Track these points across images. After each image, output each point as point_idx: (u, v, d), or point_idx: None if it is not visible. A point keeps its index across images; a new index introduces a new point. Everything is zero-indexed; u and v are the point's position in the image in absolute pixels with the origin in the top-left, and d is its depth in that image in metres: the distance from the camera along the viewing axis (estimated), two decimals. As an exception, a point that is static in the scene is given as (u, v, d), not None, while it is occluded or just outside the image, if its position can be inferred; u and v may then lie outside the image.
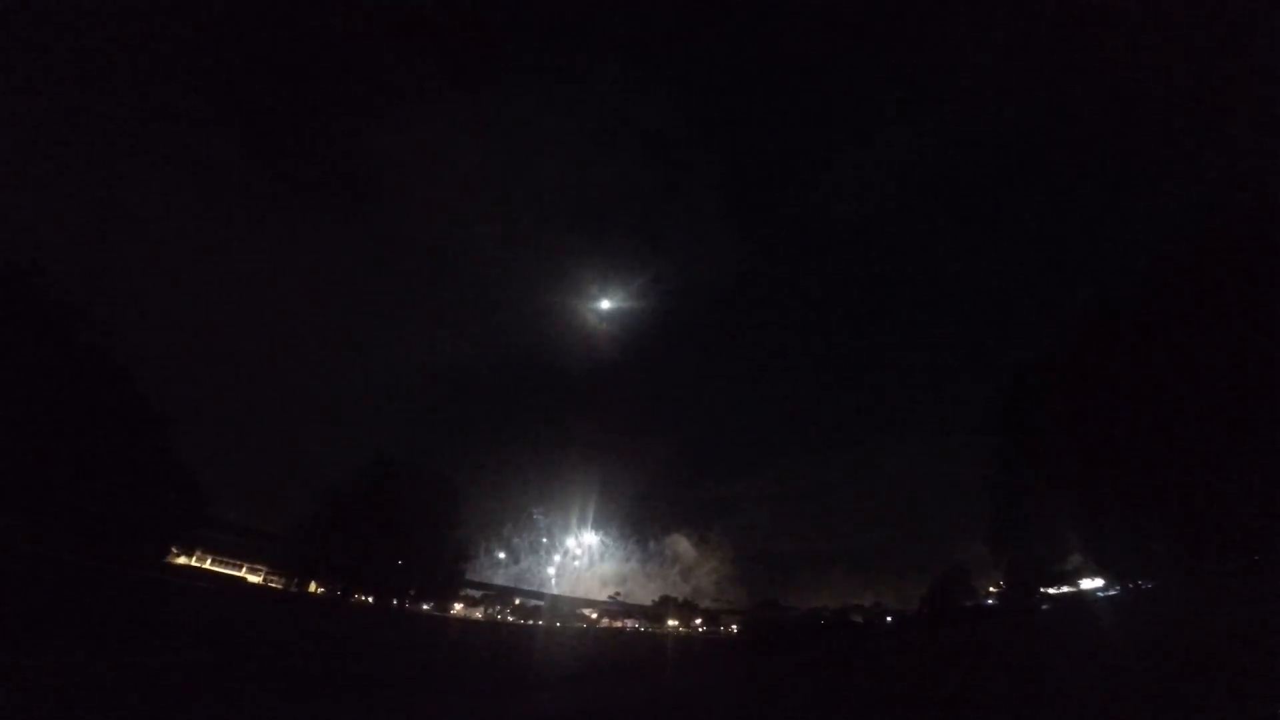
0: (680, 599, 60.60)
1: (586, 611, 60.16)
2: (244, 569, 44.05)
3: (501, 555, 60.90)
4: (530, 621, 56.18)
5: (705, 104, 72.91)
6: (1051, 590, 42.59)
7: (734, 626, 58.58)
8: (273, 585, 44.49)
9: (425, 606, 51.41)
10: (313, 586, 45.34)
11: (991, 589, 47.39)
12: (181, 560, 39.95)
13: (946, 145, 66.08)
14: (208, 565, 42.06)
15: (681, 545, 64.01)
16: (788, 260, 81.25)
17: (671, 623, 58.37)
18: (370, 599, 47.43)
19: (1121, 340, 34.59)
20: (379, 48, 52.35)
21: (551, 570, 61.59)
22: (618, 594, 61.24)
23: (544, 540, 62.39)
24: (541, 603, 59.82)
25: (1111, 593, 39.45)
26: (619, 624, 58.97)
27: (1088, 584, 41.65)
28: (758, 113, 72.08)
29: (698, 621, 58.92)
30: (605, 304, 67.53)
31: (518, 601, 59.05)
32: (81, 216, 41.88)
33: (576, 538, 62.98)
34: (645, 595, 61.17)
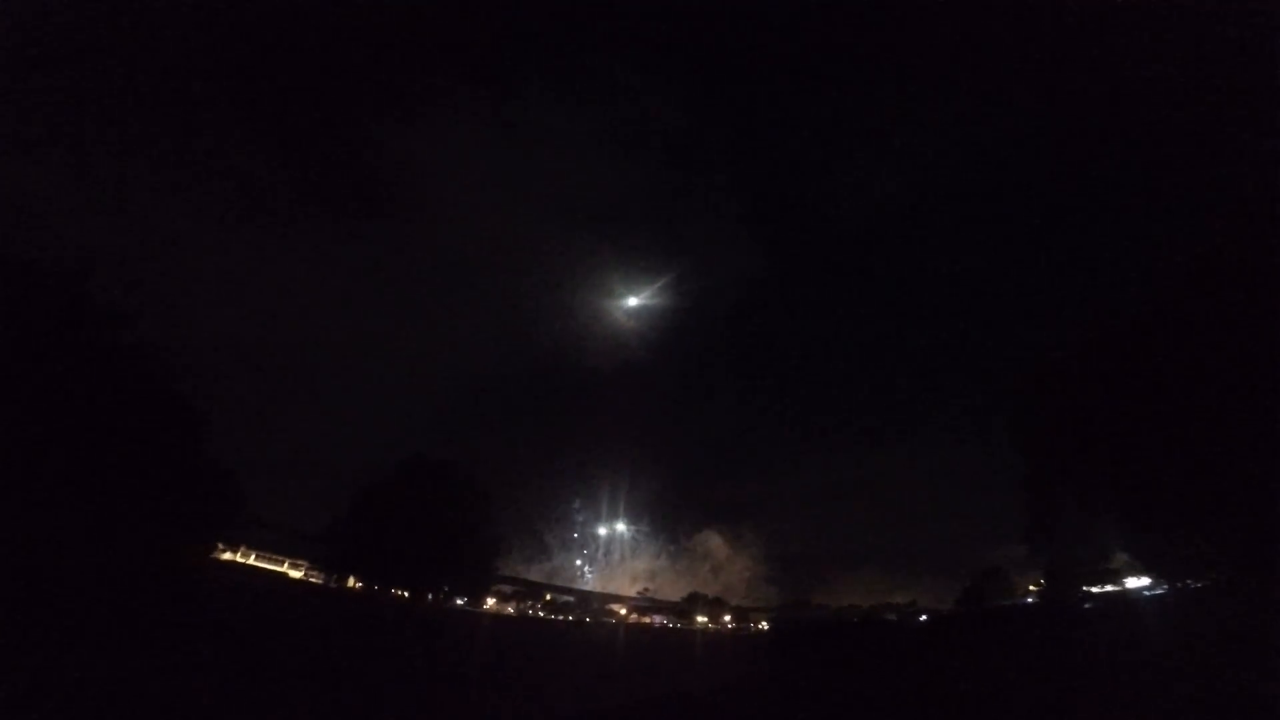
0: (710, 596, 60.58)
1: (616, 607, 60.58)
2: (286, 565, 45.69)
3: (532, 551, 61.79)
4: (560, 617, 56.87)
5: (723, 106, 72.38)
6: (1095, 589, 41.19)
7: (764, 624, 58.30)
8: (313, 581, 46.01)
9: (459, 602, 52.46)
10: (351, 582, 46.71)
11: (1031, 588, 46.05)
12: (227, 556, 41.64)
13: (967, 147, 64.44)
14: (252, 561, 43.78)
15: (713, 542, 63.94)
16: (816, 258, 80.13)
17: (700, 619, 58.40)
18: (406, 594, 48.61)
19: (1166, 332, 33.23)
20: (399, 53, 53.31)
21: (582, 566, 62.23)
22: (647, 590, 61.52)
23: (574, 536, 63.07)
24: (571, 599, 60.54)
25: (1159, 591, 37.98)
26: (648, 620, 59.26)
27: (1133, 583, 40.17)
28: (777, 114, 71.30)
29: (727, 618, 58.81)
30: (630, 302, 67.77)
31: (548, 597, 59.81)
32: (124, 223, 43.81)
33: (606, 534, 63.47)
34: (675, 592, 61.33)
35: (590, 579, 62.49)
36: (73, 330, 32.25)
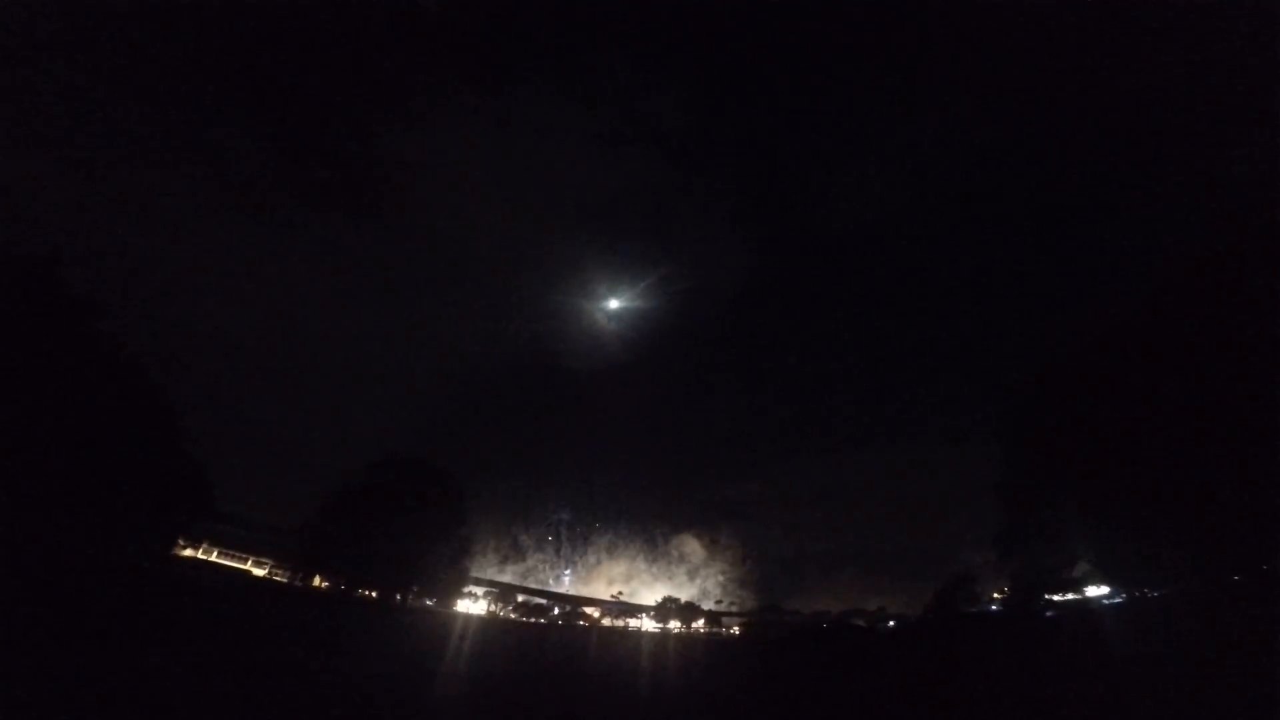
0: (683, 600, 60.57)
1: (589, 610, 60.30)
2: (250, 562, 44.73)
3: (506, 553, 61.30)
4: (533, 620, 56.43)
5: (716, 106, 72.76)
6: (1057, 597, 42.02)
7: (735, 629, 58.41)
8: (278, 579, 45.10)
9: (429, 602, 51.80)
10: (317, 581, 45.91)
11: (996, 595, 46.83)
12: (189, 553, 40.66)
13: (960, 150, 65.49)
14: (214, 558, 42.79)
15: (689, 546, 64.02)
16: (799, 262, 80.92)
17: (674, 624, 58.34)
18: (374, 594, 47.91)
19: (1133, 347, 34.12)
20: (394, 51, 53.01)
21: (557, 569, 61.87)
22: (620, 594, 61.32)
23: (549, 539, 62.72)
24: (545, 601, 60.10)
25: (1117, 600, 38.89)
26: (621, 624, 59.03)
27: (1094, 591, 41.07)
28: (769, 115, 71.86)
29: (700, 623, 58.82)
30: (615, 304, 67.90)
31: (521, 599, 59.32)
32: (102, 212, 42.90)
33: (583, 536, 63.21)
34: (650, 595, 61.19)
35: (566, 581, 62.17)
36: (41, 317, 31.49)
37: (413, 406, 69.48)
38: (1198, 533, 29.68)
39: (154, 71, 41.83)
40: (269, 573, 45.32)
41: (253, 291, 56.35)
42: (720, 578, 62.40)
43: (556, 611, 59.10)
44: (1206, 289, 31.22)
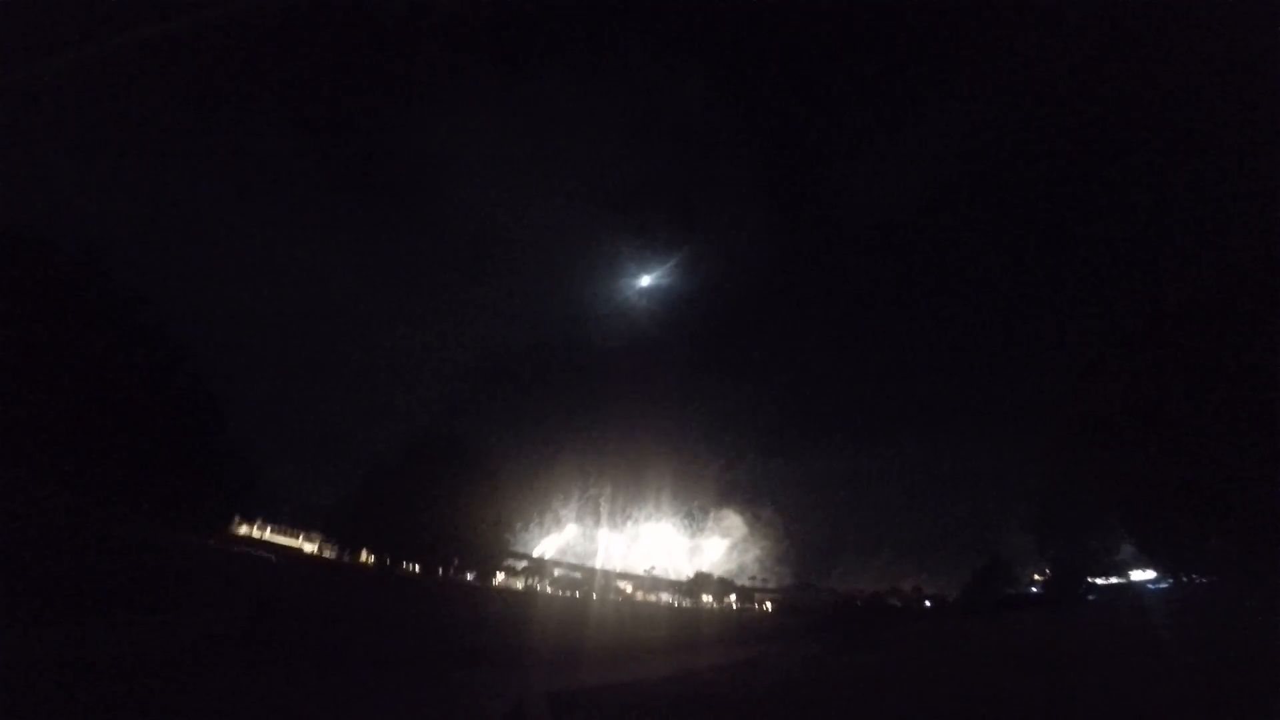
0: (716, 576, 61.25)
1: (623, 585, 61.58)
2: (301, 539, 47.05)
3: (542, 528, 62.78)
4: (567, 593, 57.99)
5: (743, 90, 70.52)
6: (1099, 581, 41.09)
7: (768, 605, 58.96)
8: (326, 556, 47.38)
9: (468, 577, 53.67)
10: (363, 556, 48.00)
11: (1036, 577, 46.06)
12: (243, 530, 43.00)
13: (997, 134, 62.35)
14: (267, 535, 45.15)
15: (728, 522, 64.45)
16: (834, 244, 78.66)
17: (706, 599, 59.20)
18: (416, 569, 49.85)
19: (1182, 331, 32.56)
20: (413, 34, 52.71)
21: (592, 543, 63.17)
22: (653, 568, 62.35)
23: (586, 514, 63.93)
24: (578, 575, 61.59)
25: (1163, 586, 37.80)
26: (653, 598, 60.21)
27: (1138, 575, 40.00)
28: (797, 99, 69.42)
29: (732, 599, 59.56)
30: (643, 282, 67.67)
31: (556, 573, 60.89)
32: (138, 208, 44.42)
33: (620, 511, 64.18)
34: (685, 571, 62.10)
35: (600, 556, 63.47)
36: (82, 312, 33.25)
37: (449, 386, 70.97)
38: (1249, 520, 28.53)
39: (178, 62, 42.52)
40: (318, 549, 47.60)
41: (287, 279, 57.93)
42: (758, 552, 62.73)
43: (591, 585, 60.51)
44: (1267, 268, 29.43)
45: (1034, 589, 45.56)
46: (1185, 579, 35.41)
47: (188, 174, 49.31)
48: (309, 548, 47.47)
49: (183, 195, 49.49)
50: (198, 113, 48.67)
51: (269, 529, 45.42)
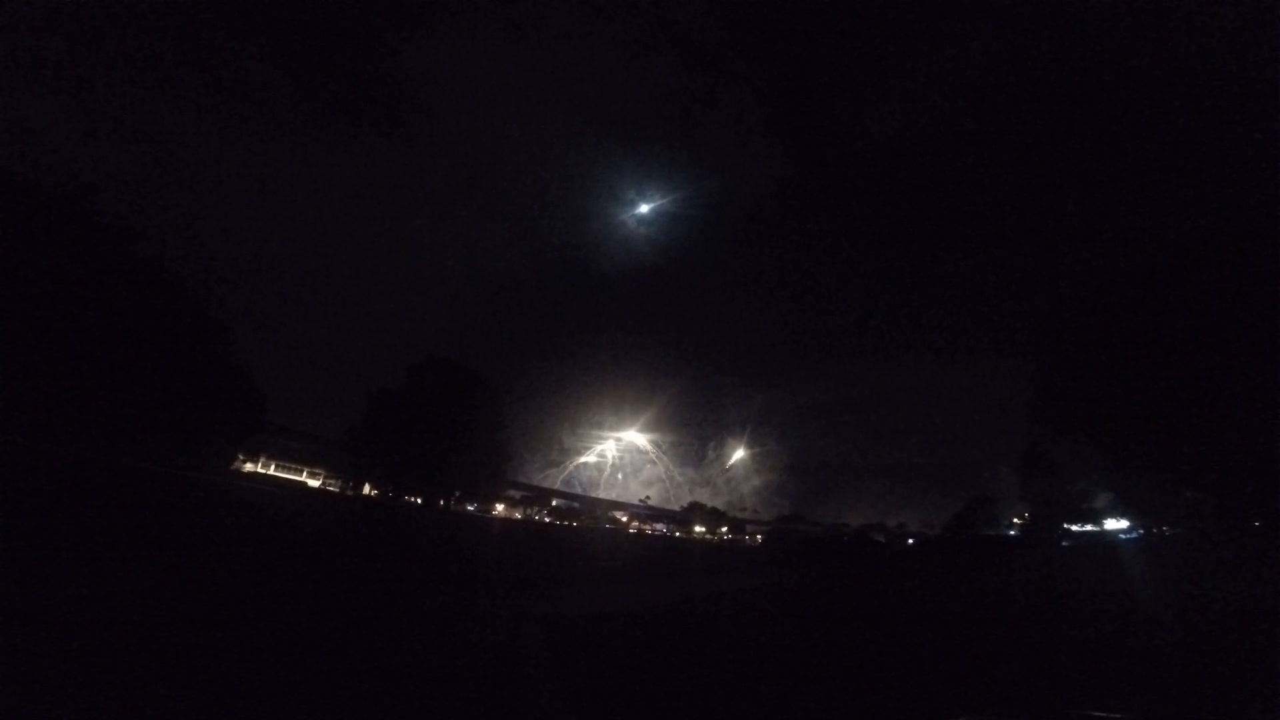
0: (709, 507, 63.47)
1: (618, 515, 63.97)
2: (305, 474, 48.28)
3: (542, 457, 64.35)
4: (565, 523, 60.35)
5: (747, 11, 65.62)
6: (1075, 527, 42.62)
7: (759, 537, 61.55)
8: (330, 489, 48.80)
9: (470, 507, 55.56)
10: (367, 489, 49.47)
11: (1015, 520, 47.78)
12: (248, 467, 44.03)
13: (1000, 65, 58.51)
14: (272, 471, 46.28)
15: (723, 451, 65.86)
16: (832, 171, 75.78)
17: (698, 529, 61.71)
18: (419, 500, 51.49)
19: (1170, 284, 31.97)
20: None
21: (587, 472, 65.01)
22: (647, 498, 64.52)
23: (581, 444, 65.37)
24: (576, 504, 63.87)
25: (1134, 536, 39.25)
26: (647, 528, 62.77)
27: (1111, 524, 41.44)
28: (802, 21, 64.54)
29: (723, 529, 62.08)
30: (644, 209, 66.02)
31: (555, 503, 63.09)
32: (130, 141, 42.43)
33: (617, 441, 65.58)
34: (678, 501, 64.23)
35: (595, 486, 65.48)
36: (81, 248, 32.28)
37: (449, 313, 70.74)
38: (1221, 474, 29.18)
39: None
40: (323, 483, 48.95)
41: (282, 209, 56.21)
42: (758, 482, 64.48)
43: (587, 514, 62.86)
44: (1259, 224, 28.31)
45: (1012, 531, 47.46)
46: (1155, 530, 36.69)
47: (189, 104, 46.86)
48: (313, 483, 48.88)
49: (183, 125, 47.19)
50: (195, 40, 45.63)
51: (274, 465, 46.57)
